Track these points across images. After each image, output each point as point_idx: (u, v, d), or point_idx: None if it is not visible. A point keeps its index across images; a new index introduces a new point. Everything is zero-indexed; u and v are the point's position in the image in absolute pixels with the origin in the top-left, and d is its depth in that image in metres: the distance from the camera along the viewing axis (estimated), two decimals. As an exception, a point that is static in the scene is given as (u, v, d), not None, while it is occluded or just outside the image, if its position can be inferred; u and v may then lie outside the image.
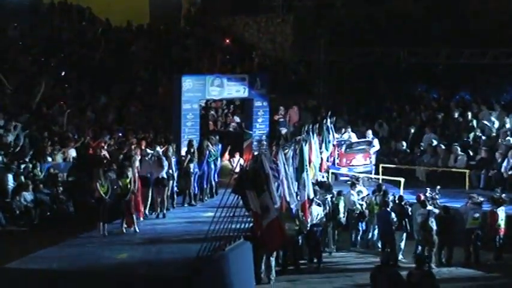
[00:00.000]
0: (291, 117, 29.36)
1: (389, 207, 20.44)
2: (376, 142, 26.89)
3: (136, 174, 19.32)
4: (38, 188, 21.59)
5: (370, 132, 27.28)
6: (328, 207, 21.03)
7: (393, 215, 20.29)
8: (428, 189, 21.40)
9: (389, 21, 31.79)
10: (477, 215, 20.43)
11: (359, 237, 22.21)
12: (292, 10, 35.97)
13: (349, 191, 22.16)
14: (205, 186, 22.50)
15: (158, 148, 21.61)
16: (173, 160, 21.10)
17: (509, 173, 24.17)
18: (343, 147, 26.11)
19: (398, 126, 29.08)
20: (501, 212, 20.53)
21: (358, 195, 22.13)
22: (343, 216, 21.75)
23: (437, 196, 21.10)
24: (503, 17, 30.07)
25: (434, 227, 20.09)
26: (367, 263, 20.78)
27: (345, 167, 25.73)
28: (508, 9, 30.21)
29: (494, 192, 22.15)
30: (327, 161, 24.74)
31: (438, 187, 21.57)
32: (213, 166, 22.70)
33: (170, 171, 20.75)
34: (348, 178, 25.00)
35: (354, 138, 26.93)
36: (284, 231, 16.80)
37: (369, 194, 22.16)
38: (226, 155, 25.48)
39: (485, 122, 26.97)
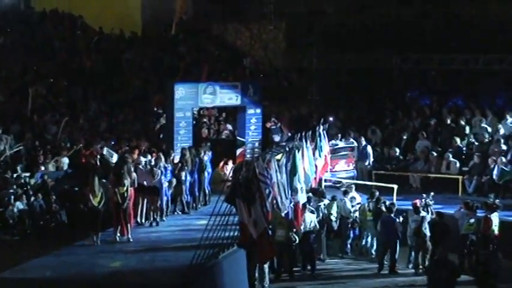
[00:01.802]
0: (284, 124, 29.30)
1: (393, 213, 20.41)
2: (369, 149, 26.90)
3: (135, 183, 19.32)
4: (31, 197, 21.51)
5: (362, 138, 27.26)
6: (321, 214, 21.03)
7: (398, 220, 20.30)
8: (424, 195, 21.40)
9: (381, 28, 31.80)
10: (472, 220, 20.38)
11: (350, 244, 22.20)
12: (284, 17, 35.97)
13: (344, 199, 22.15)
14: (197, 194, 22.46)
15: (149, 156, 21.59)
16: (169, 168, 21.09)
17: (501, 178, 24.20)
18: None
19: (391, 133, 29.03)
20: (495, 218, 20.49)
21: (351, 201, 22.11)
22: (335, 221, 21.76)
23: (431, 202, 21.08)
24: (496, 23, 30.09)
25: (428, 233, 20.10)
26: (360, 269, 20.85)
27: (328, 172, 25.64)
28: (500, 15, 30.23)
29: (487, 198, 22.16)
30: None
31: (432, 193, 21.55)
32: (206, 174, 22.69)
33: (163, 179, 20.71)
34: (330, 183, 25.06)
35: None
36: (272, 244, 16.77)
37: (360, 203, 22.16)
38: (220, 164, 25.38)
39: (479, 128, 26.95)
